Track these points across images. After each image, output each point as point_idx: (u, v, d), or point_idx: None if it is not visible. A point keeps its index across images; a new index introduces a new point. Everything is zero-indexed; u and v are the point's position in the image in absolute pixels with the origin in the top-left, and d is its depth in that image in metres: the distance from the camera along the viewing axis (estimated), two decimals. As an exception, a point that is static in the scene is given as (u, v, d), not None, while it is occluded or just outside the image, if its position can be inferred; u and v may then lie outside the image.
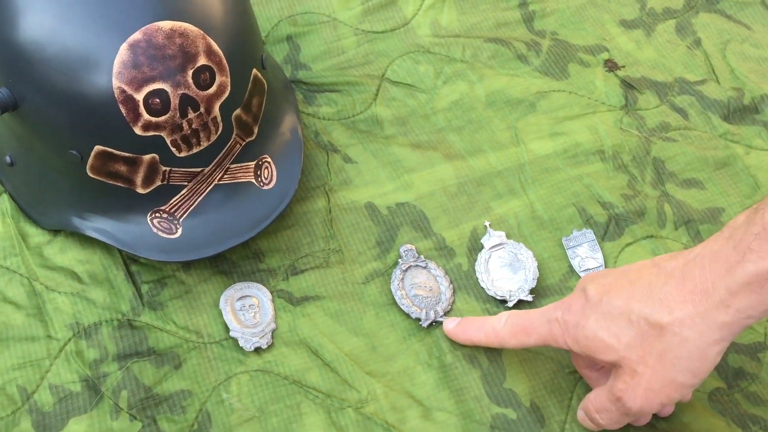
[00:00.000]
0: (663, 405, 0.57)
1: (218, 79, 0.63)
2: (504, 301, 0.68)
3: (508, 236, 0.71)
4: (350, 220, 0.71)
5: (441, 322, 0.67)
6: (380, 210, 0.72)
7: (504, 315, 0.63)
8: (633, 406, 0.57)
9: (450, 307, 0.68)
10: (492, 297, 0.69)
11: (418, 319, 0.67)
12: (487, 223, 0.71)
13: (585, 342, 0.57)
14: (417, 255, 0.69)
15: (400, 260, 0.69)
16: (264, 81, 0.68)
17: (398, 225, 0.71)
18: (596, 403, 0.60)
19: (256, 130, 0.68)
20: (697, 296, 0.53)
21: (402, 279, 0.68)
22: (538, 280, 0.69)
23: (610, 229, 0.72)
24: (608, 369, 0.60)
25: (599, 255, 0.70)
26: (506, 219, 0.72)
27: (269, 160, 0.68)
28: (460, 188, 0.73)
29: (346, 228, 0.71)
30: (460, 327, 0.65)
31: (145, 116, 0.61)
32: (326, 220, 0.71)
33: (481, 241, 0.70)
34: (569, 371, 0.66)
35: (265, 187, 0.68)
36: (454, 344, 0.66)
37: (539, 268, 0.69)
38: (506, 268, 0.69)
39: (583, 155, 0.75)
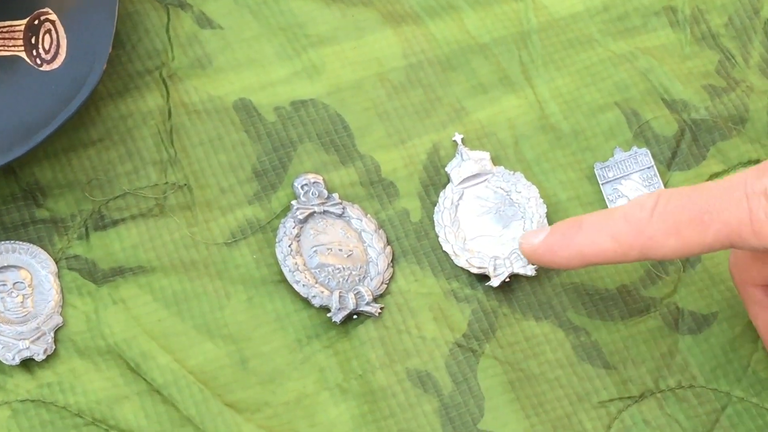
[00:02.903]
0: None
1: None
2: (484, 277, 0.63)
3: (496, 161, 0.66)
4: (207, 131, 0.66)
5: (368, 315, 0.61)
6: (263, 114, 0.67)
7: (650, 198, 0.57)
8: None
9: (384, 286, 0.62)
10: (463, 269, 0.63)
11: (326, 309, 0.61)
12: (458, 138, 0.66)
13: None
14: (327, 194, 0.65)
15: (294, 203, 0.64)
16: None
17: (295, 141, 0.66)
18: None
19: (26, -38, 0.63)
20: None
21: (298, 237, 0.64)
22: (548, 238, 0.63)
23: (683, 147, 0.67)
24: None
25: (661, 193, 0.64)
26: (494, 130, 0.67)
27: (53, 18, 0.64)
28: (411, 75, 0.68)
29: (200, 146, 0.66)
30: (558, 237, 0.59)
31: None
32: (162, 130, 0.66)
33: (447, 169, 0.65)
34: (602, 400, 0.59)
35: (46, 67, 0.64)
36: (392, 355, 0.60)
37: (550, 216, 0.64)
38: (490, 218, 0.64)
39: (639, 17, 0.70)
